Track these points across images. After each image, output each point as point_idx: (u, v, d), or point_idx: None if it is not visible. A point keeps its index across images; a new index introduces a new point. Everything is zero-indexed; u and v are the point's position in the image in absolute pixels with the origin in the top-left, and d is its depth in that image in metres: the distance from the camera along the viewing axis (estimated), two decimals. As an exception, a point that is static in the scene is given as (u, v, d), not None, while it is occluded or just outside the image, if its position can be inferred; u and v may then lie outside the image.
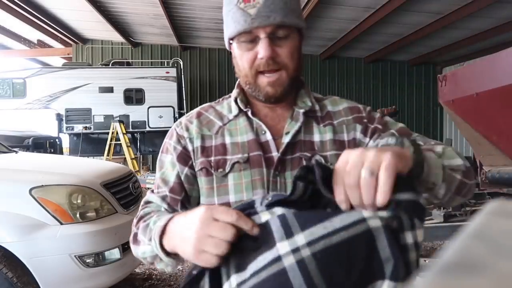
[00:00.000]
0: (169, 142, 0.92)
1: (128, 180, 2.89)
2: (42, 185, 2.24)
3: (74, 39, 9.79)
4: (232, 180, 0.84)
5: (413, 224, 0.55)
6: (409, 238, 0.55)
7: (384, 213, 0.55)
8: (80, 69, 8.59)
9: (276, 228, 0.57)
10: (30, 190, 2.20)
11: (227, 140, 0.88)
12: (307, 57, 10.27)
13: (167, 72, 8.70)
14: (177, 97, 8.67)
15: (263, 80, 0.84)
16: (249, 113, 0.89)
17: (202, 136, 0.90)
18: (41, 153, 5.99)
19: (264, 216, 0.61)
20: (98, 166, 3.04)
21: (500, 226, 0.26)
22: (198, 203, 0.89)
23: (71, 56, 10.25)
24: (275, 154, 0.85)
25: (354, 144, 0.88)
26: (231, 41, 0.86)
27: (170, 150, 0.91)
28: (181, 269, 3.49)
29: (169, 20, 7.86)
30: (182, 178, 0.88)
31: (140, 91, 8.54)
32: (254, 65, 0.83)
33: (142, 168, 9.06)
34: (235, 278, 0.59)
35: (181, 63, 9.26)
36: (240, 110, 0.91)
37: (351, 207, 0.58)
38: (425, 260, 2.75)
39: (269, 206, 0.62)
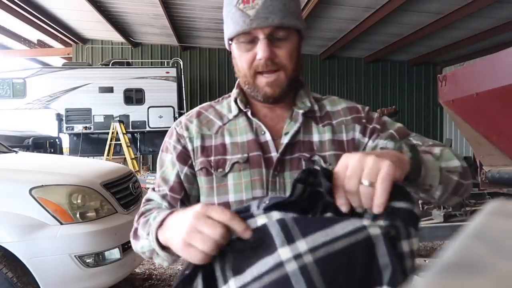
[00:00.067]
0: (169, 141, 0.93)
1: (128, 180, 2.89)
2: (42, 185, 2.24)
3: (74, 39, 9.79)
4: (232, 180, 0.85)
5: (409, 233, 0.57)
6: (405, 246, 0.57)
7: (382, 222, 0.57)
8: (80, 69, 8.59)
9: (276, 233, 0.58)
10: (30, 190, 2.20)
11: (227, 140, 0.89)
12: (307, 57, 10.27)
13: (167, 72, 8.70)
14: (177, 97, 8.66)
15: (262, 80, 0.85)
16: (249, 113, 0.90)
17: (202, 135, 0.90)
18: (41, 153, 5.99)
19: (260, 220, 0.61)
20: (98, 166, 3.05)
21: (500, 226, 0.26)
22: (198, 202, 0.89)
23: (71, 56, 10.25)
24: (274, 155, 0.86)
25: (353, 144, 0.89)
26: (230, 42, 0.87)
27: (170, 149, 0.92)
28: (180, 269, 3.49)
29: (169, 20, 7.86)
30: (182, 177, 0.89)
31: (140, 91, 8.54)
32: (252, 65, 0.84)
33: (142, 168, 9.06)
34: (233, 282, 0.59)
35: (181, 63, 9.26)
36: (239, 110, 0.91)
37: (351, 208, 0.61)
38: (425, 260, 2.75)
39: (267, 209, 0.62)
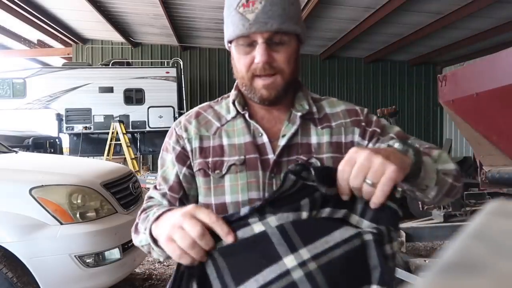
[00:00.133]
0: (168, 141, 0.95)
1: (128, 180, 2.89)
2: (42, 185, 2.24)
3: (74, 39, 9.79)
4: (229, 182, 0.87)
5: (391, 238, 0.66)
6: (388, 249, 0.65)
7: (373, 230, 0.65)
8: (80, 69, 8.59)
9: (277, 241, 0.62)
10: (30, 190, 2.20)
11: (225, 141, 0.90)
12: (307, 57, 10.27)
13: (167, 72, 8.69)
14: (177, 97, 8.66)
15: (259, 83, 0.86)
16: (246, 116, 0.91)
17: (200, 136, 0.92)
18: (41, 153, 5.99)
19: (257, 227, 0.64)
20: (98, 166, 3.05)
21: (500, 226, 0.26)
22: (196, 202, 0.92)
23: (71, 56, 10.25)
24: (271, 157, 0.87)
25: (352, 146, 0.89)
26: (229, 44, 0.88)
27: (170, 149, 0.94)
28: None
29: (169, 20, 7.86)
30: (181, 177, 0.91)
31: (140, 91, 8.54)
32: (250, 68, 0.85)
33: (142, 168, 9.06)
34: None
35: (181, 63, 9.26)
36: (237, 112, 0.92)
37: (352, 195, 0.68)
38: (425, 260, 2.75)
39: (260, 210, 0.65)
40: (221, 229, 0.65)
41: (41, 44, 10.56)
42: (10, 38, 9.83)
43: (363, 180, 0.64)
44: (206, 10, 7.31)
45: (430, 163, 0.76)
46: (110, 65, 8.73)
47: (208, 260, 0.65)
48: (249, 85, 0.87)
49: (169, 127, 1.00)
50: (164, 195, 0.91)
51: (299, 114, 0.90)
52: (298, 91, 0.94)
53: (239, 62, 0.86)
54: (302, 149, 0.88)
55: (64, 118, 8.34)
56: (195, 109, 0.98)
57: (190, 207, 0.69)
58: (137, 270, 3.56)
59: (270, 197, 0.67)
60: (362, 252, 0.63)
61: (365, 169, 0.64)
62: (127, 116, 8.46)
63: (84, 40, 10.13)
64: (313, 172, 0.66)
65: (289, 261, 0.60)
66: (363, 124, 0.92)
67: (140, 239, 0.84)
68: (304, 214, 0.65)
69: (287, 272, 0.59)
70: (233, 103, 0.93)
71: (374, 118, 0.94)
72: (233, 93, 0.94)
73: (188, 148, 0.91)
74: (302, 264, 0.60)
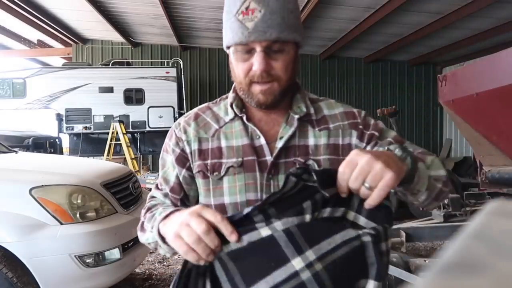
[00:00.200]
0: (168, 143, 0.97)
1: (128, 180, 2.89)
2: (42, 185, 2.24)
3: (74, 39, 9.78)
4: (227, 183, 0.88)
5: (386, 236, 0.70)
6: (383, 246, 0.69)
7: (371, 231, 0.69)
8: (80, 69, 8.58)
9: (284, 244, 0.65)
10: (30, 190, 2.20)
11: (223, 143, 0.91)
12: (307, 57, 10.27)
13: (167, 72, 8.68)
14: (177, 97, 8.65)
15: (256, 88, 0.86)
16: (244, 119, 0.92)
17: (199, 139, 0.93)
18: (41, 153, 5.99)
19: (264, 232, 0.67)
20: (98, 166, 3.05)
21: (500, 226, 0.26)
22: (197, 202, 0.94)
23: (71, 56, 10.24)
24: (268, 158, 0.88)
25: (349, 149, 0.91)
26: (228, 48, 0.89)
27: (170, 151, 0.95)
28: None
29: (169, 20, 7.86)
30: (181, 179, 0.93)
31: (140, 91, 8.53)
32: (248, 75, 0.85)
33: (142, 168, 9.06)
34: None
35: (181, 63, 9.24)
36: (235, 114, 0.93)
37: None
38: (425, 260, 2.75)
39: (264, 212, 0.68)
40: (225, 228, 0.68)
41: (41, 44, 10.55)
42: (10, 38, 9.82)
43: (362, 183, 0.68)
44: (206, 10, 7.31)
45: (423, 169, 0.80)
46: (110, 65, 8.71)
47: (218, 263, 0.68)
48: (247, 90, 0.88)
49: (169, 127, 1.01)
50: (166, 195, 0.94)
51: (296, 116, 0.91)
52: (296, 93, 0.95)
53: (237, 68, 0.87)
54: (299, 151, 0.89)
55: (64, 118, 8.33)
56: (194, 110, 0.99)
57: (197, 207, 0.72)
58: (137, 270, 3.56)
59: (272, 198, 0.69)
60: (361, 251, 0.67)
61: (365, 173, 0.67)
62: (127, 116, 8.45)
63: (84, 40, 10.12)
64: (315, 176, 0.68)
65: (297, 262, 0.63)
66: (360, 126, 0.93)
67: (146, 237, 0.86)
68: (308, 217, 0.69)
69: (295, 274, 0.63)
70: (231, 105, 0.94)
71: (372, 121, 0.95)
72: (231, 96, 0.95)
73: (187, 150, 0.93)
74: (309, 265, 0.63)
